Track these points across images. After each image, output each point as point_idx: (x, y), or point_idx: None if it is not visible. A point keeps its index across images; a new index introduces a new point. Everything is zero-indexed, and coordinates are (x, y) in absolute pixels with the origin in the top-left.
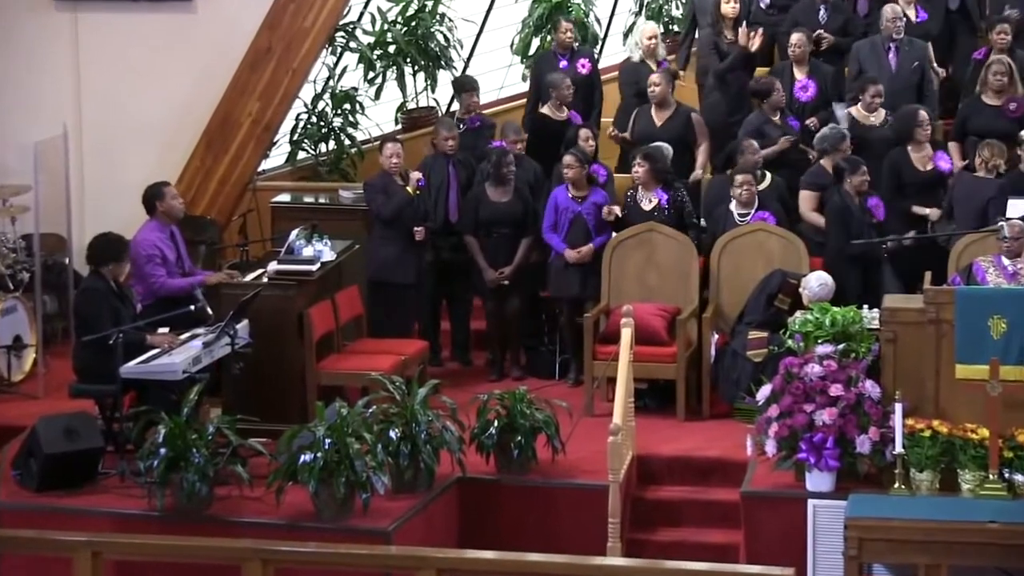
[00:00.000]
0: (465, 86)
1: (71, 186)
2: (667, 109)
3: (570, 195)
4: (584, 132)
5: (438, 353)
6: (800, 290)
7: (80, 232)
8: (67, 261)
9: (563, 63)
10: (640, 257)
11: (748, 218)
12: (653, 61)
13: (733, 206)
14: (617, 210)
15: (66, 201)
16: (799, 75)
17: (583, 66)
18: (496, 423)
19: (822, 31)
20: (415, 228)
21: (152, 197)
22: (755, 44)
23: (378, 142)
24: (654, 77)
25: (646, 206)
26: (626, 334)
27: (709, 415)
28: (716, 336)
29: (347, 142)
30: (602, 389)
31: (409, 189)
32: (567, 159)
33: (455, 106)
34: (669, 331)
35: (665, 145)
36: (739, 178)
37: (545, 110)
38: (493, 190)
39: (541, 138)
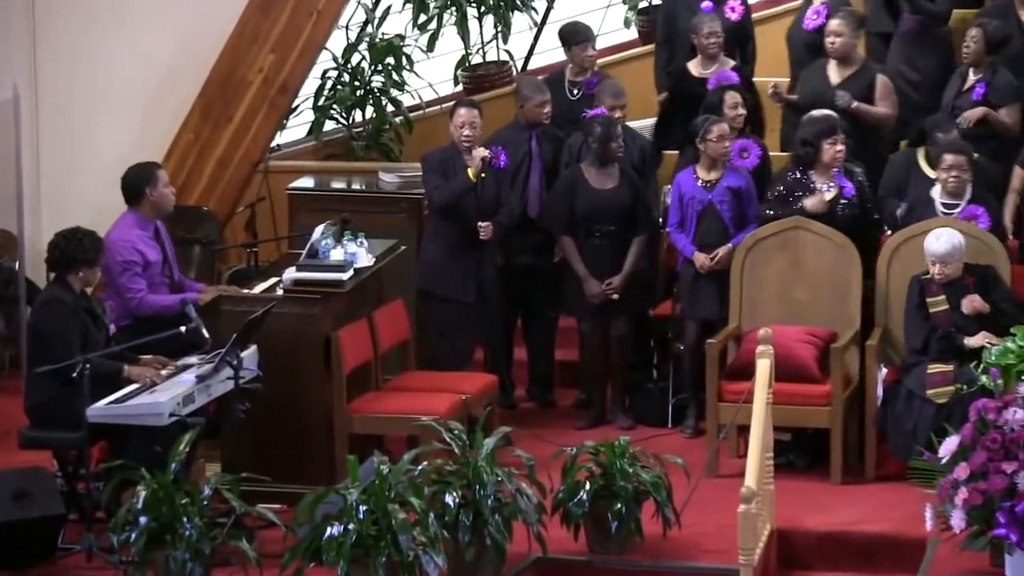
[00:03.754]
0: (577, 36)
1: (23, 166)
2: (849, 66)
3: (698, 179)
4: (732, 96)
5: (510, 391)
6: (929, 265)
7: (35, 227)
8: (17, 266)
9: (706, 4)
10: (783, 263)
11: (957, 212)
12: None
13: (936, 193)
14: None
15: (16, 186)
16: None
17: (732, 9)
18: (588, 486)
19: None
20: (479, 224)
21: (139, 183)
22: None
23: (430, 109)
24: (834, 23)
25: (825, 194)
26: (763, 367)
27: (874, 476)
28: (884, 370)
29: (390, 108)
30: (731, 441)
31: (470, 172)
32: (718, 129)
33: (536, 61)
34: (821, 363)
35: (832, 113)
36: (949, 159)
37: (691, 65)
38: (595, 173)
39: (680, 105)
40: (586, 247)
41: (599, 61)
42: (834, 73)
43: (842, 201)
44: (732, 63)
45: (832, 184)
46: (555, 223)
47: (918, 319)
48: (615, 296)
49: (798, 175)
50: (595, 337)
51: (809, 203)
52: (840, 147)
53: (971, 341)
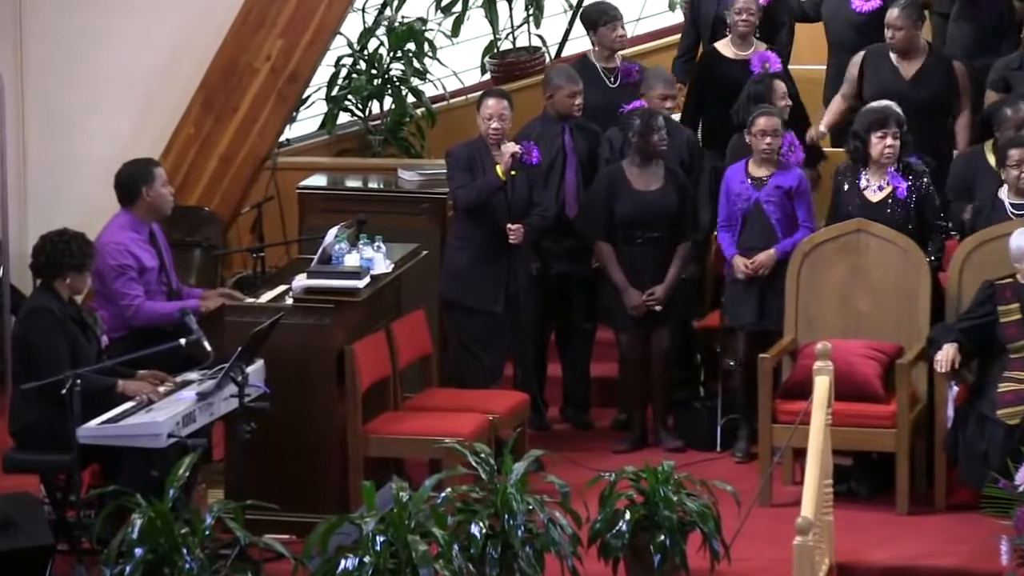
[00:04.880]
0: (604, 16)
1: (7, 161)
2: (916, 57)
3: (747, 176)
4: (780, 85)
5: (543, 410)
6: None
7: (20, 229)
8: (0, 271)
9: None
10: (843, 270)
11: None
12: None
13: (1005, 193)
14: None
15: None
16: None
17: None
18: (628, 515)
19: None
20: (509, 226)
21: (135, 181)
22: None
23: (455, 100)
24: (893, 16)
25: (873, 196)
26: (821, 385)
27: (944, 506)
28: (955, 389)
29: (411, 99)
30: (786, 466)
31: (499, 169)
32: (764, 122)
33: (571, 47)
34: (885, 381)
35: (890, 104)
36: (1015, 154)
37: (720, 45)
38: (638, 173)
39: (711, 89)
40: (626, 254)
41: (641, 47)
42: (903, 66)
43: (891, 202)
44: (764, 46)
45: (885, 183)
46: (592, 228)
47: (976, 319)
48: (657, 308)
49: (850, 173)
50: (635, 351)
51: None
52: (891, 142)
53: None
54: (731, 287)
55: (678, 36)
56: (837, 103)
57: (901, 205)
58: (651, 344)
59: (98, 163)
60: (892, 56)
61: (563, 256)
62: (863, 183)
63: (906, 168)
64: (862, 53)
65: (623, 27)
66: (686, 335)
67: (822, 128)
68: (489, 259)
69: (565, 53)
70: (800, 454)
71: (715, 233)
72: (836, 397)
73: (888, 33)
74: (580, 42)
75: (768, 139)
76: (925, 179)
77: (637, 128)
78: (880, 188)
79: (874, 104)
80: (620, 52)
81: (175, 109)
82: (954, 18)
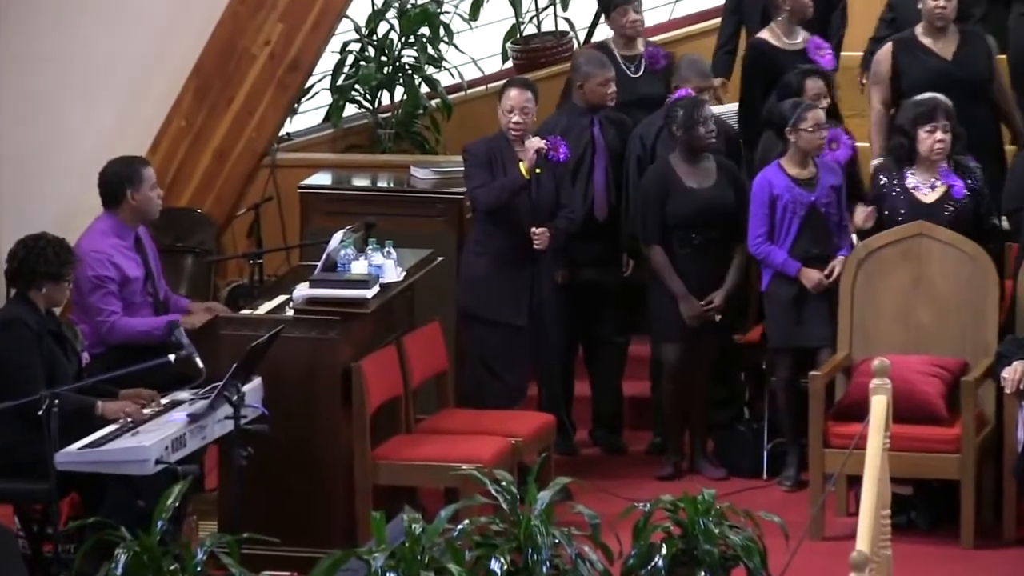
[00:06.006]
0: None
1: None
2: (951, 36)
3: (792, 178)
4: (815, 84)
5: (570, 433)
6: None
7: None
8: None
9: None
10: (902, 278)
11: None
12: None
13: None
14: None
15: None
16: None
17: None
18: (665, 549)
19: None
20: (533, 230)
21: (120, 181)
22: None
23: (474, 90)
24: None
25: (925, 196)
26: (879, 405)
27: (1014, 539)
28: None
29: (424, 89)
30: (839, 495)
31: (523, 167)
32: (816, 115)
33: (601, 31)
34: (949, 401)
35: (939, 96)
36: None
37: (766, 34)
38: (688, 169)
39: (759, 80)
40: (678, 258)
41: (676, 32)
42: (939, 46)
43: (949, 204)
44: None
45: (937, 182)
46: (650, 232)
47: None
48: (717, 317)
49: (895, 173)
50: (684, 366)
51: (857, 218)
52: (941, 136)
53: None
54: (779, 304)
55: (714, 20)
56: (880, 117)
57: (960, 205)
58: (693, 359)
59: (78, 158)
60: (924, 39)
61: (591, 262)
62: (910, 183)
63: (957, 165)
64: (888, 45)
65: (637, 11)
66: (729, 350)
67: (874, 163)
68: (511, 266)
69: (595, 38)
70: (855, 482)
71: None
72: (895, 419)
73: (932, 8)
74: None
75: (824, 132)
76: (978, 176)
77: (681, 120)
78: (932, 187)
79: (918, 96)
80: (645, 38)
81: (164, 99)
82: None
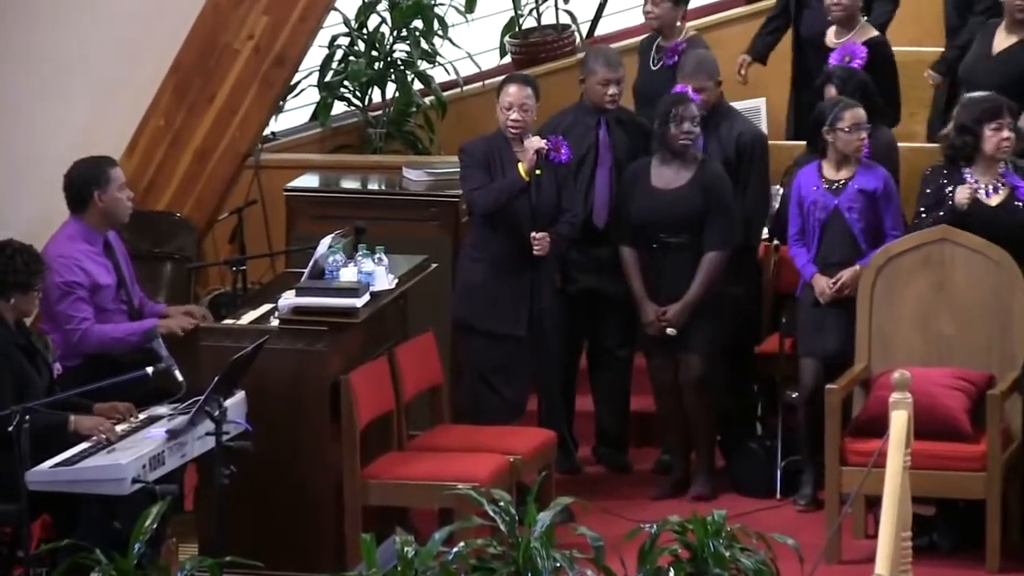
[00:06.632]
0: None
1: None
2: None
3: (822, 180)
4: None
5: (572, 450)
6: None
7: None
8: None
9: None
10: (924, 286)
11: None
12: None
13: None
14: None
15: None
16: None
17: None
18: (673, 573)
19: None
20: (533, 235)
21: (86, 183)
22: None
23: (470, 87)
24: None
25: (989, 199)
26: (899, 421)
27: None
28: None
29: (418, 86)
30: (857, 516)
31: (522, 168)
32: (854, 114)
33: (605, 25)
34: (974, 416)
35: (996, 95)
36: None
37: (829, 33)
38: (661, 169)
39: (806, 83)
40: (655, 263)
41: (689, 24)
42: (1000, 37)
43: (1016, 204)
44: (872, 32)
45: (1000, 183)
46: (619, 232)
47: None
48: (670, 331)
49: (950, 173)
50: (664, 376)
51: (958, 195)
52: (1007, 134)
53: None
54: (805, 311)
55: (737, 9)
56: None
57: (1020, 209)
58: (679, 374)
59: (50, 161)
60: (997, 26)
61: (593, 269)
62: (972, 184)
63: (1015, 167)
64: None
65: (655, 2)
66: (739, 363)
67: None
68: (510, 274)
69: (598, 32)
70: (874, 502)
71: (768, 243)
72: (916, 435)
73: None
74: (615, 19)
75: (863, 133)
76: None
77: (659, 116)
78: (996, 189)
79: (981, 94)
80: (673, 27)
81: (141, 97)
82: None
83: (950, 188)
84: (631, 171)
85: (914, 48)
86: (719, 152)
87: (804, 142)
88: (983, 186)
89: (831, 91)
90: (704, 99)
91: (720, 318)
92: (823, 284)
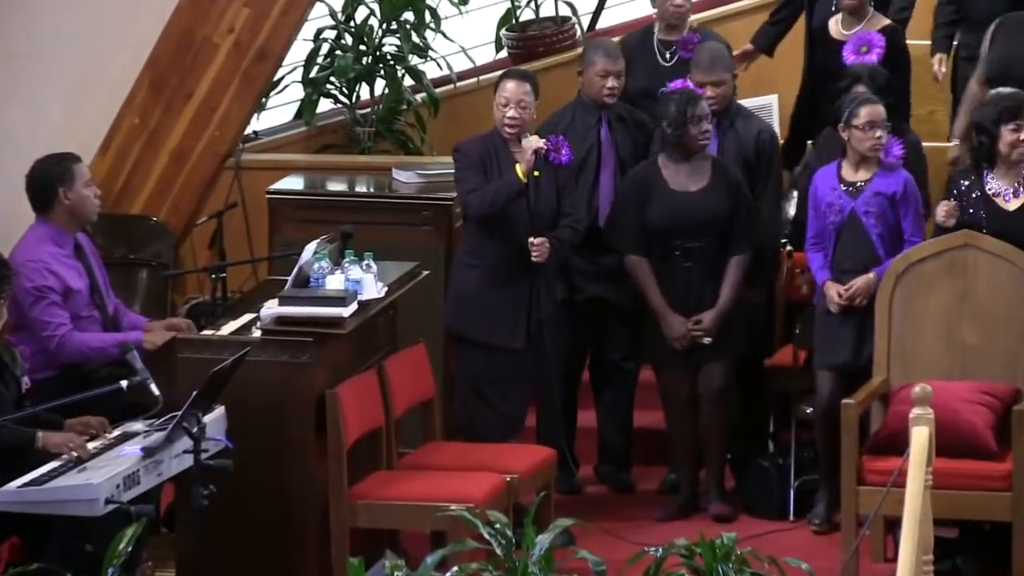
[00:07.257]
0: None
1: None
2: None
3: (840, 181)
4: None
5: (573, 470)
6: None
7: None
8: None
9: None
10: (947, 295)
11: None
12: None
13: None
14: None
15: None
16: None
17: None
18: None
19: None
20: (531, 240)
21: (50, 182)
22: None
23: (464, 83)
24: None
25: (1007, 203)
26: (920, 437)
27: None
28: None
29: (408, 82)
30: (875, 538)
31: (519, 169)
32: (870, 111)
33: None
34: (999, 433)
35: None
36: None
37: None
38: (676, 170)
39: (820, 78)
40: (666, 271)
41: (699, 15)
42: None
43: None
44: (884, 21)
45: (1020, 187)
46: (623, 238)
47: None
48: (706, 340)
49: (973, 176)
50: (679, 392)
51: (938, 213)
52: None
53: None
54: (823, 319)
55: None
56: (974, 90)
57: None
58: (699, 384)
59: (20, 162)
60: None
61: (597, 277)
62: (991, 188)
63: None
64: (995, 22)
65: None
66: (750, 376)
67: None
68: (506, 281)
69: (600, 24)
70: (893, 524)
71: (786, 248)
72: (938, 452)
73: None
74: (617, 11)
75: (879, 131)
76: None
77: (672, 116)
78: (1015, 193)
79: (1002, 90)
80: (687, 20)
81: (116, 94)
82: None
83: (976, 193)
84: (637, 175)
85: (927, 42)
86: (737, 150)
87: (812, 142)
88: (1002, 190)
89: (859, 90)
90: (721, 94)
91: (739, 326)
92: (833, 292)
